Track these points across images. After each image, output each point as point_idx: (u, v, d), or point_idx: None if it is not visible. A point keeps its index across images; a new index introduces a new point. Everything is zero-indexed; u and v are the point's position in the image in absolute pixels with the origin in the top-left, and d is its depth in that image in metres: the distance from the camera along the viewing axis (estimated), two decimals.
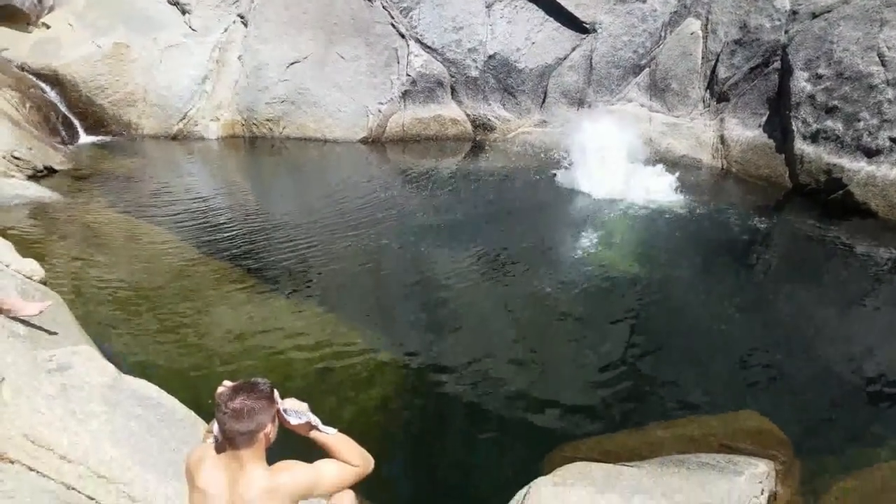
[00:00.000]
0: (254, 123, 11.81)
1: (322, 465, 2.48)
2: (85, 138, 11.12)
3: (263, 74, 11.77)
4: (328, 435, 2.51)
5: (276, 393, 2.44)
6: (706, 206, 8.56)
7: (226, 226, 7.80)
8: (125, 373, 4.01)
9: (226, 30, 12.05)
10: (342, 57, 11.89)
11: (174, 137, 11.49)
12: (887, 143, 7.98)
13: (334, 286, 6.26)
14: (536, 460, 3.98)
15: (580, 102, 11.54)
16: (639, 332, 5.76)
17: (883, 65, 8.23)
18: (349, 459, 2.49)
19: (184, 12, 11.98)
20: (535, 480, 3.39)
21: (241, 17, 12.12)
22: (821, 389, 4.95)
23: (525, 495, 3.32)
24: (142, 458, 3.31)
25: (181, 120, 11.56)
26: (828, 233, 7.87)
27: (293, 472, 2.41)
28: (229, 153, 11.41)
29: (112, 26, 11.48)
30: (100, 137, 11.22)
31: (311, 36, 11.92)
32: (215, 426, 2.41)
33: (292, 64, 11.83)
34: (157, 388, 3.92)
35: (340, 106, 11.82)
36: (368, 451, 2.57)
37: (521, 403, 4.75)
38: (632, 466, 3.70)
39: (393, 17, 11.94)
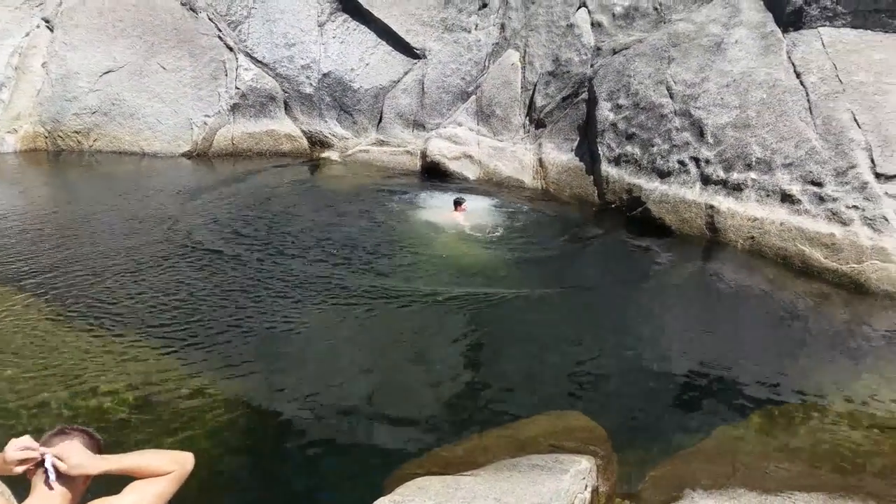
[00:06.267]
0: (59, 136, 10.71)
1: (132, 489, 2.31)
2: None
3: (72, 84, 10.74)
4: (128, 459, 2.35)
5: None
6: (525, 225, 9.16)
7: (24, 252, 6.98)
8: None
9: (27, 34, 10.88)
10: (163, 67, 11.21)
11: None
12: (676, 166, 9.09)
13: (150, 314, 5.85)
14: (379, 481, 3.95)
15: (414, 124, 11.88)
16: (469, 348, 6.00)
17: (671, 97, 9.40)
18: (158, 470, 2.33)
19: None
20: (375, 502, 3.36)
21: (47, 22, 11.00)
22: (634, 385, 5.42)
23: None
24: None
25: None
26: (631, 245, 8.78)
27: None
28: (29, 169, 10.22)
29: None
30: None
31: (127, 45, 11.11)
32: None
33: (106, 73, 10.93)
34: None
35: (161, 118, 11.12)
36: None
37: (359, 426, 4.73)
38: (469, 475, 3.81)
39: (220, 30, 11.51)
